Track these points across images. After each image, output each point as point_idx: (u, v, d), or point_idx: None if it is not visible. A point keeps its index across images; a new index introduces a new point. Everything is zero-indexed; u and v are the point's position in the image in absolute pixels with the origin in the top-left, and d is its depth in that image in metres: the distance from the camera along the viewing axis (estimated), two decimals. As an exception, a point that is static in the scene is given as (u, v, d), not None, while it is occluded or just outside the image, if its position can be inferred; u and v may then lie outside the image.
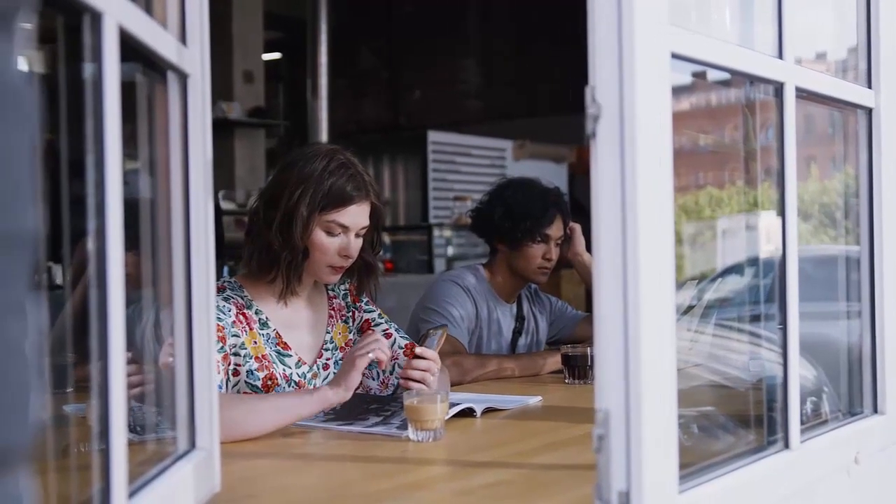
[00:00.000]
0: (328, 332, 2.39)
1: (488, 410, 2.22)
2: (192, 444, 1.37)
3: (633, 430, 1.17)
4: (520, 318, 3.17)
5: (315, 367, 2.32)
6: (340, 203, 2.21)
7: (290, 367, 2.26)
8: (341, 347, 2.40)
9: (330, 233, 2.22)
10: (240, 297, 2.25)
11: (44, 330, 0.62)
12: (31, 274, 0.59)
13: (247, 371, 2.19)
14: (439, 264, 7.30)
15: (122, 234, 1.02)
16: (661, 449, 1.21)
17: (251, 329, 2.23)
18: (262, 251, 2.24)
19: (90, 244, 0.99)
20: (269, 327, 2.26)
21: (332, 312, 2.42)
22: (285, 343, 2.28)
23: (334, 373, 2.32)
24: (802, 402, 1.61)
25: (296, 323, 2.33)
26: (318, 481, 1.71)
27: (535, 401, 2.39)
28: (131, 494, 1.07)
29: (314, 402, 2.00)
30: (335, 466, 1.78)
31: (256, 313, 2.26)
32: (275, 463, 1.81)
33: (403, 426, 1.94)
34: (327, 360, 2.36)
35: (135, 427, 1.32)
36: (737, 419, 1.73)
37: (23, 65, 0.61)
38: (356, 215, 2.24)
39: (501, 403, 2.29)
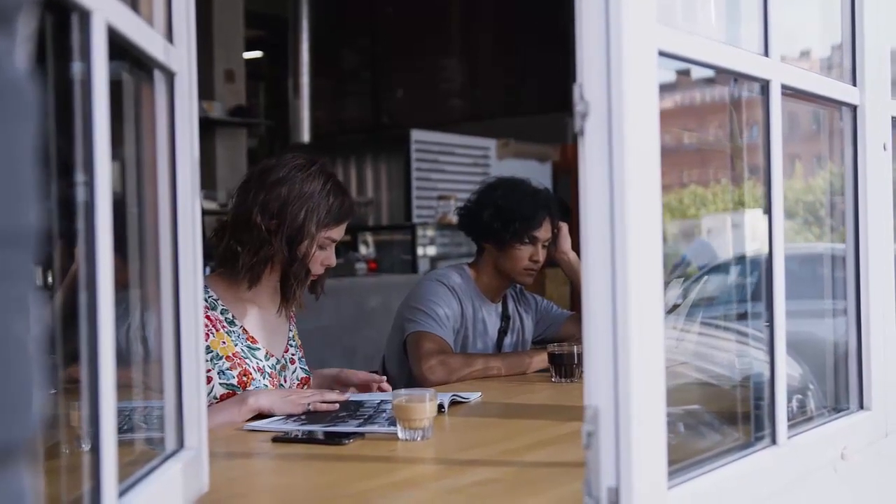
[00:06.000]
0: (291, 330, 2.49)
1: (454, 403, 2.27)
2: (181, 444, 1.37)
3: (622, 426, 1.17)
4: (505, 318, 3.17)
5: (283, 360, 2.41)
6: (339, 221, 2.33)
7: (261, 360, 2.33)
8: (300, 346, 2.52)
9: (322, 247, 2.32)
10: (203, 300, 2.27)
11: (46, 326, 0.62)
12: (33, 271, 0.59)
13: (218, 372, 2.23)
14: (423, 264, 7.29)
15: (111, 235, 1.01)
16: (651, 445, 1.21)
17: (218, 330, 2.27)
18: (262, 263, 2.28)
19: (79, 245, 0.99)
20: (236, 325, 2.32)
21: (292, 314, 2.52)
22: (253, 337, 2.34)
23: (301, 367, 2.46)
24: (788, 400, 1.61)
25: (262, 320, 2.40)
26: (307, 481, 1.70)
27: (475, 397, 2.40)
28: (121, 494, 1.07)
29: (245, 411, 2.12)
30: (323, 466, 1.77)
31: (222, 313, 2.31)
32: (263, 463, 1.80)
33: (393, 422, 1.94)
34: (292, 355, 2.46)
35: (121, 427, 1.31)
36: (724, 416, 1.74)
37: (24, 62, 0.61)
38: (343, 229, 2.37)
39: (461, 396, 2.34)
